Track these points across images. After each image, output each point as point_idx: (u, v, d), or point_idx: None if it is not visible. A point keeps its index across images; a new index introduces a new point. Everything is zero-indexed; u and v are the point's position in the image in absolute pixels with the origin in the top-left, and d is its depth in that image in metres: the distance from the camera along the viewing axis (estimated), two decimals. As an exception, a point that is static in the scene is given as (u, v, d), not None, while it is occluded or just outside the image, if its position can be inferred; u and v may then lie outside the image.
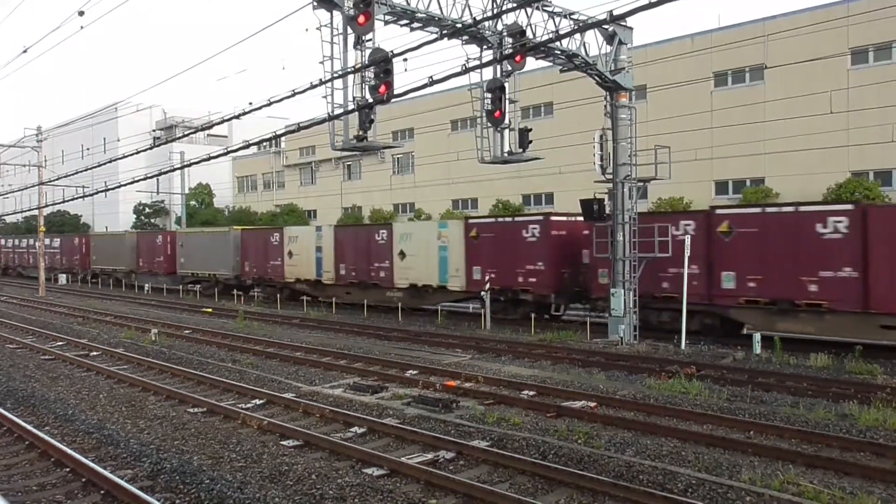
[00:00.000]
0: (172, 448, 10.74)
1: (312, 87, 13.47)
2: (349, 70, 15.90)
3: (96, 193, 22.25)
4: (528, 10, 18.57)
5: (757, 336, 18.53)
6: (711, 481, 8.96)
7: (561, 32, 18.66)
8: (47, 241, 51.91)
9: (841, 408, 12.74)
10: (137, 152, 18.65)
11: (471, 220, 27.57)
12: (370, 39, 16.10)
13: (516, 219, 26.48)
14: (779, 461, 9.92)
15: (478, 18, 17.31)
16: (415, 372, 16.69)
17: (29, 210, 48.38)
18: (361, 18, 15.68)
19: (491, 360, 18.46)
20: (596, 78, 20.56)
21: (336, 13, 16.25)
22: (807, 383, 14.90)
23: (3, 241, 66.34)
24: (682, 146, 29.73)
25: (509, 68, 19.17)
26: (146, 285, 44.86)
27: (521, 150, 19.74)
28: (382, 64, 14.48)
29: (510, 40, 18.54)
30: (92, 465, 9.52)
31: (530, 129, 20.13)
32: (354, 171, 63.14)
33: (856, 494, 8.51)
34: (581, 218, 22.39)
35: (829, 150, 33.32)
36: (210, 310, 31.86)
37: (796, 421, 11.90)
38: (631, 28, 20.81)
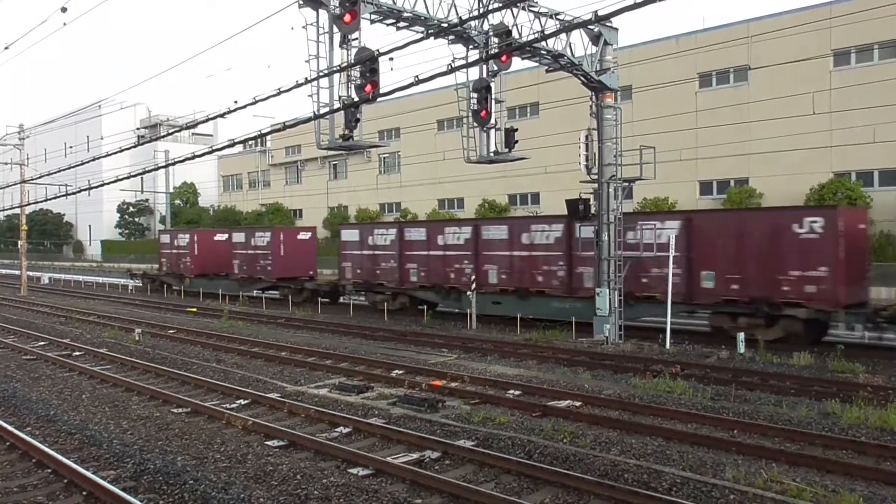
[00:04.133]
0: (156, 448, 10.66)
1: (298, 85, 13.38)
2: (335, 69, 15.84)
3: (80, 192, 22.02)
4: (514, 9, 18.58)
5: (741, 336, 18.67)
6: (696, 480, 9.00)
7: (546, 32, 18.69)
8: (416, 233, 28.10)
9: (823, 406, 12.83)
10: (121, 150, 18.42)
11: None
12: (356, 38, 16.05)
13: None
14: (762, 459, 9.99)
15: (464, 18, 17.32)
16: (400, 372, 16.67)
17: (11, 208, 47.75)
18: (347, 17, 15.62)
19: (477, 360, 18.46)
20: (581, 78, 20.61)
21: (322, 12, 16.20)
22: (790, 382, 15.02)
23: (237, 237, 36.66)
24: (668, 146, 29.89)
25: (495, 68, 19.18)
26: None
27: (507, 149, 19.76)
28: (368, 63, 14.46)
29: (496, 40, 18.55)
30: (74, 465, 9.44)
31: (516, 129, 20.14)
32: (340, 171, 63.02)
33: (838, 492, 8.58)
34: None
35: (812, 150, 33.64)
36: (195, 309, 31.68)
37: (779, 419, 11.99)
38: (616, 29, 20.88)
